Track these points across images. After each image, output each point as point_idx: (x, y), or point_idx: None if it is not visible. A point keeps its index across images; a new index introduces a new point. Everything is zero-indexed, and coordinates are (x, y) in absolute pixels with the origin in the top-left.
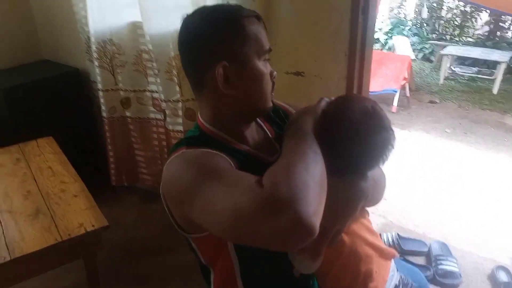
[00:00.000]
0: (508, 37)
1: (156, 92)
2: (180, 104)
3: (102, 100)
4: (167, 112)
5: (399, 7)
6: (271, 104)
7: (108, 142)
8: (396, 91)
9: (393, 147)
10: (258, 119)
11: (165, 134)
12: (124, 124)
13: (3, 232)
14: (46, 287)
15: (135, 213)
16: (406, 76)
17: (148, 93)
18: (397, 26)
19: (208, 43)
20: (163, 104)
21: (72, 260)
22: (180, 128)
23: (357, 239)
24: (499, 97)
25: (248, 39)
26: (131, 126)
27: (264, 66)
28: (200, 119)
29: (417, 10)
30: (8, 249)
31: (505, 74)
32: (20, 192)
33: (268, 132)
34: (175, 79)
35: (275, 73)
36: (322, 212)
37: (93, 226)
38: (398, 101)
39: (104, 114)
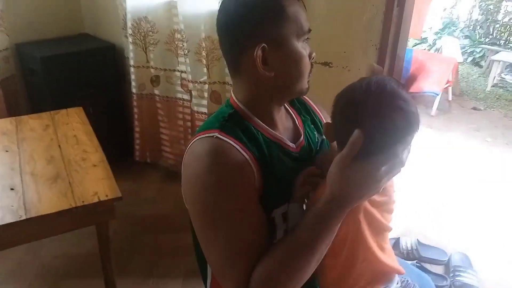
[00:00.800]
0: None
1: (185, 72)
2: (206, 86)
3: (133, 77)
4: (193, 93)
5: (452, 7)
6: (307, 86)
7: (135, 118)
8: (437, 94)
9: (406, 130)
10: (285, 105)
11: (190, 115)
12: (152, 102)
13: (23, 193)
14: (63, 250)
15: (155, 189)
16: (450, 80)
17: (177, 73)
18: (448, 27)
19: (247, 24)
20: (190, 85)
21: (84, 226)
22: (205, 110)
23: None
24: None
25: (287, 20)
26: (159, 104)
27: (303, 48)
28: (234, 98)
29: (471, 11)
30: (25, 208)
31: None
32: (44, 156)
33: (295, 118)
34: (204, 60)
35: (314, 54)
36: None
37: (106, 196)
38: (439, 104)
39: (133, 90)
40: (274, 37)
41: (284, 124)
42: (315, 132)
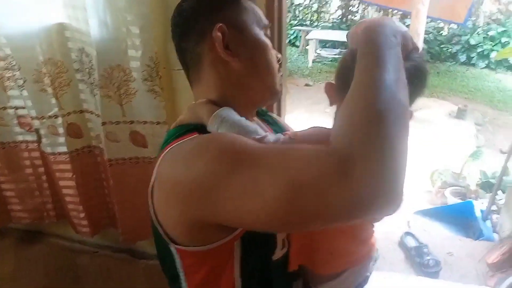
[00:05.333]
0: (356, 20)
1: (23, 108)
2: (59, 120)
3: None
4: (42, 131)
5: None
6: (280, 88)
7: None
8: None
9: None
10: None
11: (41, 159)
12: None
13: None
14: None
15: (11, 261)
16: None
17: (10, 111)
18: None
19: (204, 12)
20: (36, 122)
21: None
22: (64, 149)
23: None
24: None
25: (245, 9)
26: None
27: (267, 40)
28: None
29: None
30: None
31: None
32: None
33: (266, 127)
34: (49, 89)
35: (279, 55)
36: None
37: None
38: None
39: None
40: (233, 21)
41: None
42: None
